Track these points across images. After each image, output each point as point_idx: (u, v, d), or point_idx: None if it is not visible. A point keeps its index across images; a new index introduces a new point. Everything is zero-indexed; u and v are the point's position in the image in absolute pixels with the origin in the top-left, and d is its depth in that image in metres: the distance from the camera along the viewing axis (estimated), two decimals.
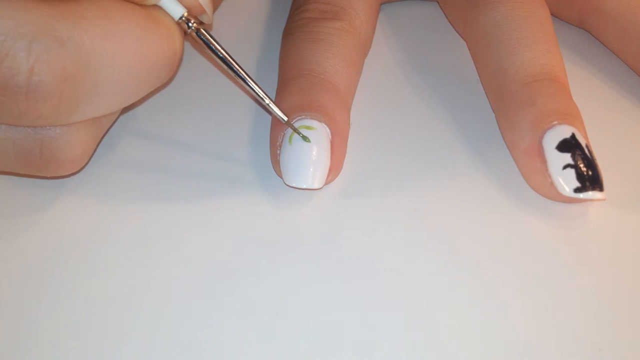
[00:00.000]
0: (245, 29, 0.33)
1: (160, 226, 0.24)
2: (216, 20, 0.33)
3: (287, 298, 0.22)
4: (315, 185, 0.24)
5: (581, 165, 0.24)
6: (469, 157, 0.27)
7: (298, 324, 0.22)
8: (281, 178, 0.25)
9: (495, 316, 0.22)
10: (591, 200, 0.24)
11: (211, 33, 0.24)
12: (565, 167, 0.24)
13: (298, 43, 0.28)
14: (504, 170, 0.26)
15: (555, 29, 0.28)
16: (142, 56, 0.22)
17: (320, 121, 0.25)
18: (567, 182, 0.24)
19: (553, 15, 0.31)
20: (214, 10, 0.33)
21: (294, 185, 0.24)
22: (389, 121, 0.28)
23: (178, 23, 0.23)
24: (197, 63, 0.31)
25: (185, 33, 0.24)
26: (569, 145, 0.24)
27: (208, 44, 0.24)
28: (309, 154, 0.24)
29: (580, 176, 0.24)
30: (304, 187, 0.24)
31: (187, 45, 0.32)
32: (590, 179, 0.24)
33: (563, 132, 0.24)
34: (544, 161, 0.24)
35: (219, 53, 0.24)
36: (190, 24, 0.23)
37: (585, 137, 0.25)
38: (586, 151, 0.24)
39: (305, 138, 0.24)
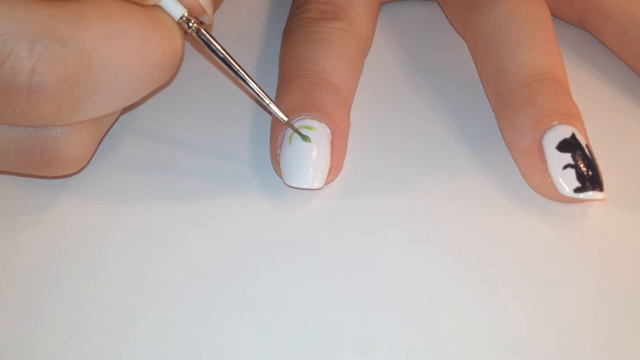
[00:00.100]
0: (245, 29, 0.33)
1: (160, 226, 0.24)
2: (216, 20, 0.33)
3: (287, 298, 0.22)
4: (315, 185, 0.24)
5: (581, 165, 0.24)
6: (469, 157, 0.27)
7: (298, 324, 0.22)
8: (281, 178, 0.25)
9: (495, 316, 0.22)
10: (591, 200, 0.24)
11: (211, 33, 0.24)
12: (565, 167, 0.24)
13: (298, 43, 0.28)
14: (504, 170, 0.26)
15: (555, 29, 0.28)
16: (143, 56, 0.22)
17: (320, 121, 0.25)
18: (567, 182, 0.24)
19: (553, 15, 0.31)
20: (214, 10, 0.33)
21: (294, 185, 0.24)
22: (389, 121, 0.28)
23: (178, 23, 0.23)
24: (197, 63, 0.31)
25: (185, 33, 0.24)
26: (569, 145, 0.24)
27: (208, 44, 0.24)
28: (309, 154, 0.24)
29: (580, 176, 0.24)
30: (304, 187, 0.24)
31: (188, 45, 0.32)
32: (590, 179, 0.24)
33: (563, 132, 0.24)
34: (544, 161, 0.24)
35: (219, 53, 0.24)
36: (190, 24, 0.23)
37: (586, 137, 0.25)
38: (586, 151, 0.24)
39: (305, 137, 0.24)
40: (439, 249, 0.24)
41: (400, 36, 0.32)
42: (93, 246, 0.24)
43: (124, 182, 0.26)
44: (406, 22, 0.33)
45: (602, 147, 0.26)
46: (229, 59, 0.24)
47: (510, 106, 0.26)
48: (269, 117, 0.28)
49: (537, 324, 0.22)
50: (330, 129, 0.25)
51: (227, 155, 0.27)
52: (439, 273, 0.23)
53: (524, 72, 0.26)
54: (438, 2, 0.33)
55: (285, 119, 0.25)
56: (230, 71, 0.24)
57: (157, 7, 0.23)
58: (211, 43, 0.24)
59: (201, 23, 0.24)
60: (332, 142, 0.25)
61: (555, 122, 0.25)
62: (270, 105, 0.25)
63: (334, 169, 0.25)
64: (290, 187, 0.25)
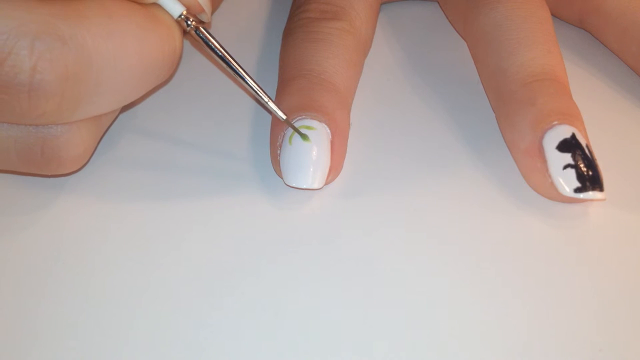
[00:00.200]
0: (245, 29, 0.33)
1: (160, 225, 0.24)
2: (216, 20, 0.33)
3: (287, 298, 0.22)
4: (315, 185, 0.24)
5: (581, 165, 0.24)
6: (469, 157, 0.27)
7: (298, 324, 0.22)
8: (281, 178, 0.25)
9: (495, 316, 0.22)
10: (591, 200, 0.24)
11: (210, 31, 0.24)
12: (565, 167, 0.24)
13: (298, 43, 0.28)
14: (504, 170, 0.26)
15: (555, 29, 0.28)
16: (142, 55, 0.22)
17: (320, 121, 0.25)
18: (567, 182, 0.24)
19: (553, 15, 0.31)
20: (213, 10, 0.33)
21: (294, 185, 0.24)
22: (389, 121, 0.28)
23: (177, 21, 0.23)
24: (197, 62, 0.31)
25: (184, 31, 0.24)
26: (569, 145, 0.24)
27: (207, 42, 0.24)
28: (309, 154, 0.24)
29: (580, 176, 0.24)
30: (304, 187, 0.24)
31: (187, 43, 0.32)
32: (590, 179, 0.24)
33: (563, 132, 0.24)
34: (544, 161, 0.24)
35: (217, 51, 0.24)
36: (189, 22, 0.23)
37: (586, 137, 0.25)
38: (586, 151, 0.24)
39: (304, 136, 0.24)
40: (439, 249, 0.24)
41: (400, 36, 0.32)
42: (93, 245, 0.24)
43: (124, 180, 0.26)
44: (406, 22, 0.33)
45: (602, 147, 0.26)
46: (228, 57, 0.24)
47: (510, 106, 0.26)
48: (269, 117, 0.28)
49: (537, 324, 0.22)
50: (330, 129, 0.25)
51: (227, 155, 0.27)
52: (439, 273, 0.23)
53: (524, 72, 0.26)
54: (438, 2, 0.33)
55: (284, 116, 0.25)
56: (228, 69, 0.24)
57: (156, 5, 0.23)
58: (209, 41, 0.24)
59: (200, 22, 0.24)
60: (332, 142, 0.25)
61: (556, 122, 0.25)
62: (268, 103, 0.25)
63: (334, 169, 0.25)
64: (290, 187, 0.25)
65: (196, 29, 0.23)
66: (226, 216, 0.25)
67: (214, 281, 0.23)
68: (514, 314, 0.22)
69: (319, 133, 0.25)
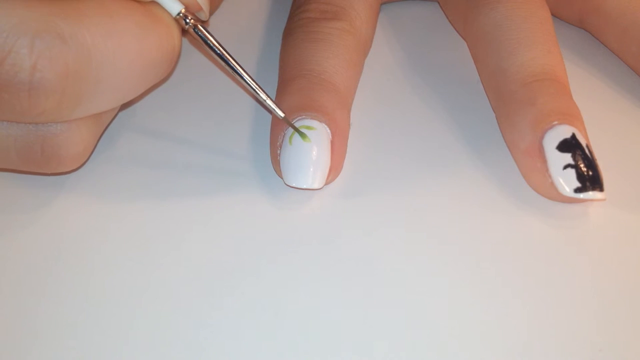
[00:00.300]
0: (245, 29, 0.33)
1: (160, 225, 0.24)
2: (216, 19, 0.33)
3: (287, 298, 0.22)
4: (316, 185, 0.24)
5: (581, 165, 0.24)
6: (469, 157, 0.27)
7: (298, 324, 0.22)
8: (281, 178, 0.25)
9: (495, 316, 0.22)
10: (591, 200, 0.24)
11: (208, 29, 0.24)
12: (565, 167, 0.24)
13: (298, 43, 0.28)
14: (504, 170, 0.26)
15: (555, 29, 0.28)
16: (142, 53, 0.22)
17: (320, 121, 0.25)
18: (567, 182, 0.24)
19: (553, 15, 0.31)
20: (213, 10, 0.33)
21: (294, 185, 0.24)
22: (389, 121, 0.28)
23: (176, 19, 0.23)
24: (196, 61, 0.31)
25: (183, 30, 0.24)
26: (569, 145, 0.24)
27: (205, 40, 0.24)
28: (309, 154, 0.24)
29: (580, 176, 0.24)
30: (304, 187, 0.24)
31: (185, 41, 0.32)
32: (590, 179, 0.24)
33: (563, 132, 0.24)
34: (544, 161, 0.24)
35: (216, 49, 0.24)
36: (187, 21, 0.23)
37: (586, 137, 0.25)
38: (586, 151, 0.24)
39: (303, 135, 0.24)
40: (439, 249, 0.24)
41: (400, 36, 0.32)
42: (92, 244, 0.24)
43: (124, 179, 0.26)
44: (406, 22, 0.33)
45: (602, 147, 0.26)
46: (226, 55, 0.24)
47: (510, 106, 0.26)
48: (269, 116, 0.28)
49: (537, 324, 0.22)
50: (330, 129, 0.25)
51: (227, 155, 0.27)
52: (439, 273, 0.23)
53: (524, 72, 0.26)
54: (438, 2, 0.33)
55: (282, 115, 0.25)
56: (227, 67, 0.24)
57: (154, 3, 0.23)
58: (208, 39, 0.24)
59: (198, 20, 0.24)
60: (332, 142, 0.25)
61: (556, 122, 0.25)
62: (266, 101, 0.24)
63: (334, 169, 0.25)
64: (290, 187, 0.25)
65: (195, 27, 0.23)
66: (226, 216, 0.24)
67: (214, 281, 0.23)
68: (514, 314, 0.22)
69: (319, 133, 0.25)
